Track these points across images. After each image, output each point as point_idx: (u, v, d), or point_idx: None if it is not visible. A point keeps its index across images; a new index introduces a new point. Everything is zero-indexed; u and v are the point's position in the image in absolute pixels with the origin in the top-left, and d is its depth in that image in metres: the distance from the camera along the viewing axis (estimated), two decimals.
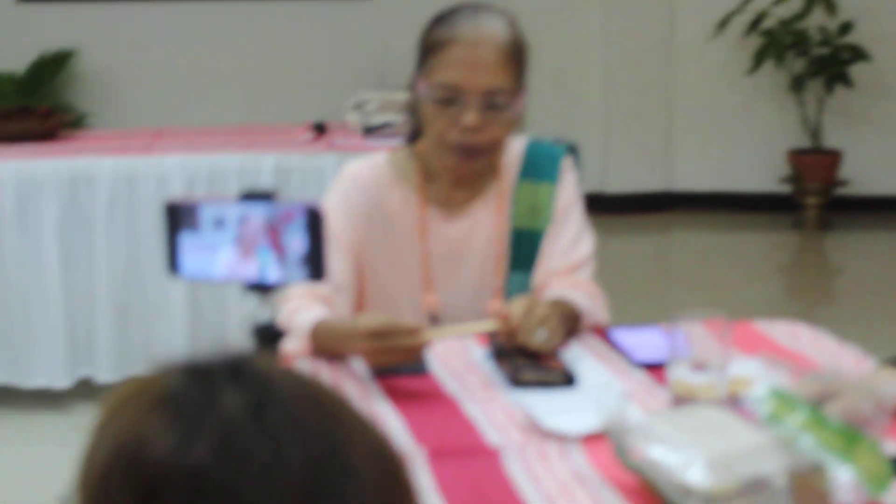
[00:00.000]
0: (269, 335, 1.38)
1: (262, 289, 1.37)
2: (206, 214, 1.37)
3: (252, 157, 3.95)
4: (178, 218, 1.37)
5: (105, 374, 3.88)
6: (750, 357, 1.79)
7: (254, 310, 1.38)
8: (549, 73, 6.64)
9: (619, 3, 6.56)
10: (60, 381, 3.87)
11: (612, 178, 6.76)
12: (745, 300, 5.21)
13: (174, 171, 3.89)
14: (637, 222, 6.59)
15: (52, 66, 6.30)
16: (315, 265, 1.34)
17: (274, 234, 1.35)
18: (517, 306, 1.90)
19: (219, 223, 1.37)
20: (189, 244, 1.38)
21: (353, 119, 4.41)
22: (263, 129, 4.63)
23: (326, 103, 5.94)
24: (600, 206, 6.74)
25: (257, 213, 1.35)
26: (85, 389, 3.92)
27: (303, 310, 2.04)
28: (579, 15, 6.65)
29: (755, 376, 1.69)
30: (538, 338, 1.87)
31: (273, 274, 1.35)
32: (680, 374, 1.69)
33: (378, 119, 4.33)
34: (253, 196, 1.36)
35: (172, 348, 3.89)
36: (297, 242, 1.35)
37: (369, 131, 4.29)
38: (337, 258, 2.14)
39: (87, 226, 3.85)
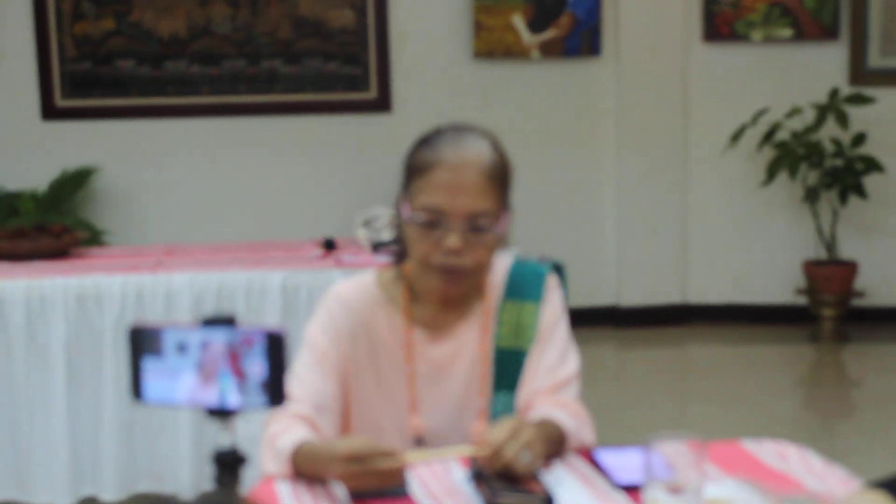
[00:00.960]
0: (230, 461, 1.37)
1: (222, 414, 1.37)
2: (169, 339, 1.37)
3: (259, 275, 3.98)
4: (142, 343, 1.38)
5: (109, 492, 3.87)
6: (728, 478, 1.77)
7: (215, 435, 1.37)
8: (563, 188, 6.70)
9: (633, 116, 6.63)
10: (63, 498, 3.85)
11: (627, 292, 6.75)
12: (762, 414, 5.17)
13: (182, 288, 3.92)
14: (653, 335, 6.57)
15: (74, 184, 6.39)
16: (274, 391, 1.35)
17: (234, 359, 1.35)
18: (501, 429, 1.89)
19: (181, 348, 1.37)
20: (152, 369, 1.38)
21: (363, 235, 4.44)
22: (274, 245, 4.66)
23: (340, 219, 6.01)
24: (616, 319, 6.75)
25: (218, 339, 1.36)
26: None
27: (286, 431, 2.04)
28: (593, 129, 6.71)
29: (733, 498, 1.67)
30: (522, 460, 1.85)
31: (233, 399, 1.35)
32: (655, 497, 1.67)
33: (387, 235, 4.35)
34: (214, 321, 1.36)
35: (177, 467, 3.88)
36: (256, 368, 1.35)
37: (378, 247, 4.31)
38: (322, 379, 2.14)
39: (95, 344, 3.87)
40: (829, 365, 6.20)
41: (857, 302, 6.51)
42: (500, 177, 2.12)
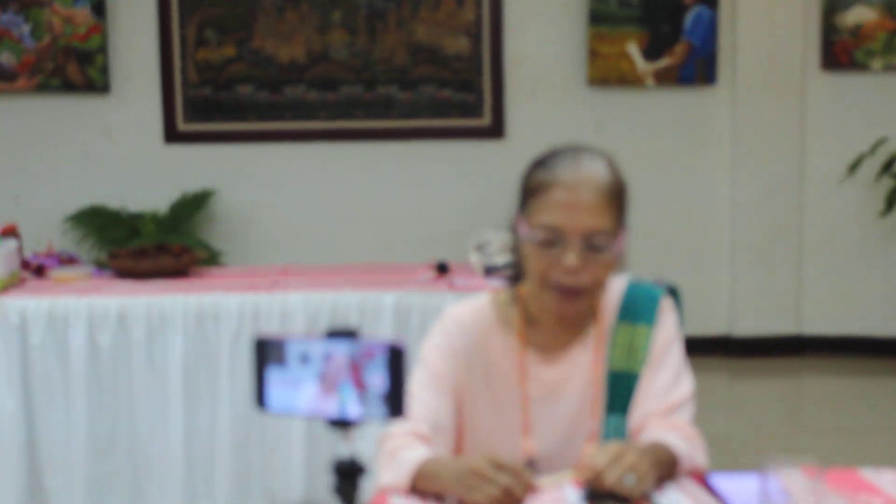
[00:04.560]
0: (350, 472, 1.40)
1: (343, 424, 1.40)
2: (293, 350, 1.41)
3: (373, 296, 4.03)
4: (266, 353, 1.42)
5: None
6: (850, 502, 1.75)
7: (329, 449, 1.41)
8: (677, 213, 6.66)
9: (749, 144, 6.57)
10: None
11: (739, 321, 6.68)
12: (878, 447, 5.06)
13: (297, 308, 3.99)
14: (765, 366, 6.48)
15: (193, 205, 6.54)
16: (395, 403, 1.37)
17: (356, 371, 1.38)
18: (604, 453, 1.89)
19: (304, 359, 1.41)
20: (276, 379, 1.42)
21: (475, 259, 4.46)
22: (387, 267, 4.71)
23: (453, 243, 6.05)
24: (728, 349, 6.67)
25: (341, 351, 1.39)
26: None
27: (407, 447, 2.07)
28: (709, 157, 6.67)
29: None
30: (627, 483, 1.85)
31: (353, 410, 1.38)
32: None
33: (499, 260, 4.36)
34: (337, 333, 1.40)
35: (290, 482, 3.94)
36: (377, 380, 1.38)
37: (490, 272, 4.33)
38: (437, 398, 2.17)
39: (212, 360, 3.96)
40: None
41: None
42: (616, 196, 2.13)
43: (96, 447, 3.96)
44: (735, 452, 4.88)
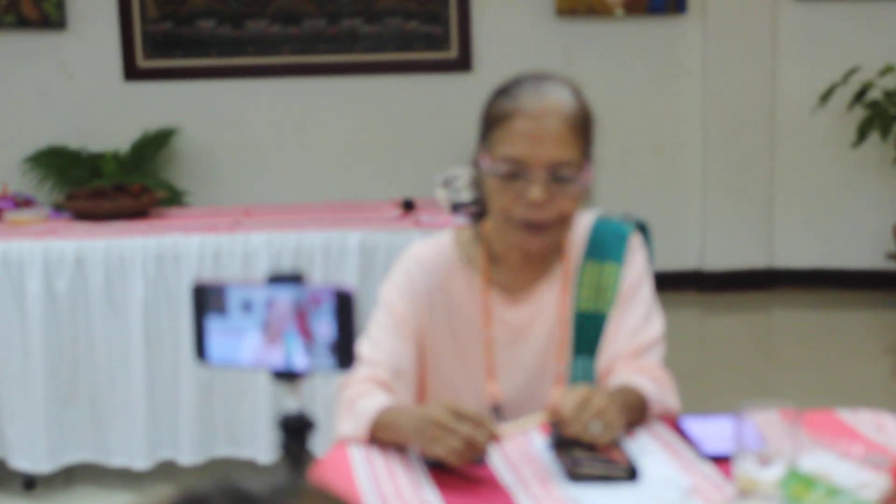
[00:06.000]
0: (297, 427, 1.31)
1: (288, 376, 1.30)
2: (234, 297, 1.31)
3: (337, 235, 3.92)
4: (206, 300, 1.32)
5: (186, 456, 3.85)
6: (829, 449, 1.68)
7: (281, 399, 1.31)
8: (647, 147, 6.56)
9: (719, 76, 6.47)
10: (140, 461, 3.84)
11: (711, 255, 6.61)
12: (850, 381, 5.03)
13: (260, 249, 3.88)
14: (737, 300, 6.43)
15: (155, 144, 6.40)
16: (343, 353, 1.27)
17: (302, 318, 1.29)
18: (571, 397, 1.81)
19: (246, 307, 1.31)
20: (216, 328, 1.32)
21: (442, 196, 4.37)
22: (353, 206, 4.61)
23: (420, 179, 5.94)
24: (699, 283, 6.62)
25: (285, 297, 1.29)
26: (166, 470, 3.90)
27: (366, 395, 1.98)
28: (679, 89, 6.56)
29: (830, 471, 1.58)
30: (593, 430, 1.77)
31: (300, 361, 1.28)
32: (746, 468, 1.58)
33: (466, 196, 4.27)
34: (281, 278, 1.30)
35: (255, 431, 3.85)
36: (324, 328, 1.28)
37: (457, 208, 4.24)
38: (398, 342, 2.07)
39: (173, 303, 3.85)
40: None
41: None
42: (582, 125, 2.02)
43: (56, 395, 3.86)
44: (707, 388, 4.83)
